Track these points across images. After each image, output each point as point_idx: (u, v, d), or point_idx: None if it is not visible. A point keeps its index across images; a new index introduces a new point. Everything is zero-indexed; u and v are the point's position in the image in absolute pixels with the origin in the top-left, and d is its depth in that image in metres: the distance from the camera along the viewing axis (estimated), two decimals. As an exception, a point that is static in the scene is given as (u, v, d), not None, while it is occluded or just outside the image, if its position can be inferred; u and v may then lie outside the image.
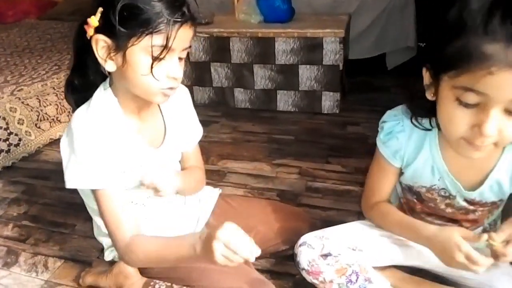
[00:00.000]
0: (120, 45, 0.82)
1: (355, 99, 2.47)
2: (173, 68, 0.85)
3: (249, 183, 1.70)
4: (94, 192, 0.91)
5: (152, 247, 0.90)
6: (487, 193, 0.89)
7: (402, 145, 0.91)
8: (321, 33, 2.16)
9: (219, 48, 2.33)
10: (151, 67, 0.82)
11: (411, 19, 2.65)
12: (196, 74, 2.40)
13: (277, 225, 1.19)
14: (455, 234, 0.81)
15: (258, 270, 1.14)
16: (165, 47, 0.80)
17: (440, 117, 0.77)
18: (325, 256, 0.96)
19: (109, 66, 0.85)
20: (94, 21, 0.82)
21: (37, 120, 2.05)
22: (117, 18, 0.79)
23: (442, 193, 0.94)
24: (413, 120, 0.87)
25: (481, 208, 0.94)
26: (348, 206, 1.52)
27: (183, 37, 0.83)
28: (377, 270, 1.00)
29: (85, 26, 0.83)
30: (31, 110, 2.03)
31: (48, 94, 2.14)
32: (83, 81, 0.94)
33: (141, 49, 0.81)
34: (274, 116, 2.35)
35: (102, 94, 0.92)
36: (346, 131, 2.12)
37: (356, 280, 0.94)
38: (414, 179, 0.95)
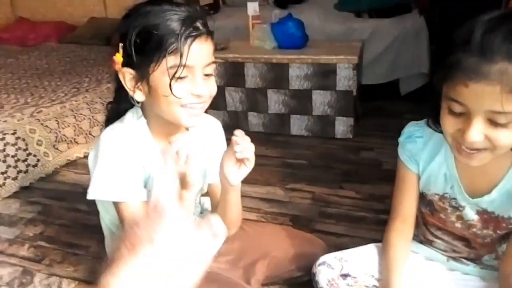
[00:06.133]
0: (143, 74, 0.85)
1: (369, 124, 2.47)
2: (195, 85, 0.85)
3: (262, 208, 1.71)
4: (115, 205, 0.92)
5: None
6: (497, 203, 0.90)
7: (419, 150, 0.97)
8: (334, 59, 2.19)
9: (234, 73, 2.37)
10: (170, 87, 0.83)
11: (424, 45, 2.67)
12: (211, 98, 2.43)
13: (292, 251, 1.19)
14: None
15: (272, 297, 1.13)
16: (180, 65, 0.81)
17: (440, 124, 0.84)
18: (345, 276, 0.99)
19: (138, 96, 0.88)
20: (119, 57, 0.86)
21: (55, 141, 2.10)
22: (132, 48, 0.83)
23: (453, 203, 0.95)
24: (430, 123, 0.92)
25: (492, 225, 0.93)
26: (362, 233, 1.51)
27: (200, 52, 0.84)
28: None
29: (112, 63, 0.87)
30: (50, 132, 2.08)
31: (66, 116, 2.19)
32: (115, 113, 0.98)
33: (162, 73, 0.83)
34: (288, 140, 2.36)
35: (134, 115, 0.95)
36: (359, 157, 2.12)
37: None
38: (428, 185, 0.98)
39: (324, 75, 2.23)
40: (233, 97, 2.43)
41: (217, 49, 2.44)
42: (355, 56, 2.17)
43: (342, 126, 2.31)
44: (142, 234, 0.47)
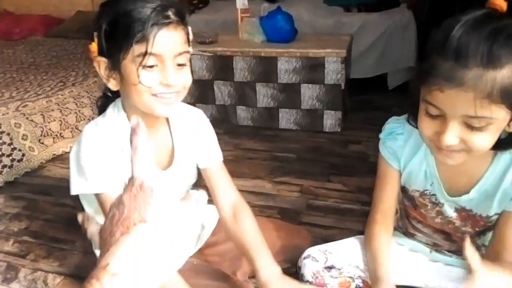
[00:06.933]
0: (114, 62, 0.84)
1: (357, 117, 2.48)
2: (165, 74, 0.83)
3: (250, 201, 1.69)
4: (97, 197, 0.91)
5: None
6: (475, 201, 0.90)
7: (400, 147, 0.97)
8: (323, 53, 2.19)
9: (222, 66, 2.36)
10: (138, 76, 0.82)
11: (412, 39, 2.69)
12: (199, 92, 2.42)
13: (279, 243, 1.19)
14: None
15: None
16: (145, 53, 0.80)
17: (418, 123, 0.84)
18: (329, 268, 0.99)
19: (112, 85, 0.88)
20: (94, 46, 0.86)
21: (41, 135, 2.07)
22: (103, 36, 0.83)
23: (433, 200, 0.96)
24: (409, 120, 0.91)
25: (470, 223, 0.94)
26: (349, 225, 1.52)
27: (168, 40, 0.82)
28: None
29: (88, 52, 0.87)
30: (35, 126, 2.05)
31: (52, 110, 2.16)
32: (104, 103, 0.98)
33: (131, 61, 0.82)
34: (276, 134, 2.36)
35: (114, 108, 0.94)
36: (347, 150, 2.13)
37: None
38: (409, 181, 0.98)
39: (313, 69, 2.22)
40: (222, 91, 2.42)
41: (205, 42, 2.43)
42: (343, 50, 2.17)
43: (331, 120, 2.32)
44: (133, 215, 0.48)
